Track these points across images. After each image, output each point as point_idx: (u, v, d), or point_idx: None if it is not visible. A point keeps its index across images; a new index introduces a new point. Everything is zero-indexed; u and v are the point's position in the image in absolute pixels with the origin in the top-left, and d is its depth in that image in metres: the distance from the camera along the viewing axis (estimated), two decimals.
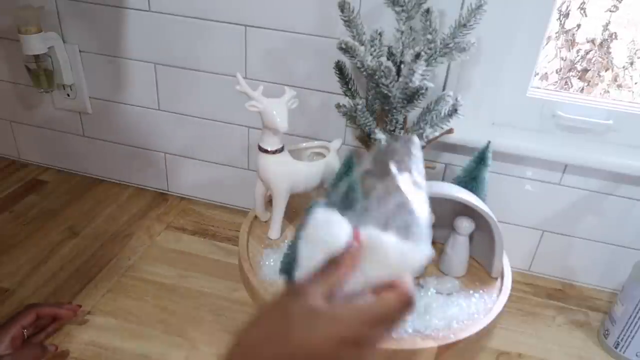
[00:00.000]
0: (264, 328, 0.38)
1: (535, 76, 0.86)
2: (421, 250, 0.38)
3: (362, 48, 0.71)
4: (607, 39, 1.16)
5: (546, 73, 1.20)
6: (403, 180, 0.42)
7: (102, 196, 1.09)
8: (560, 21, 1.15)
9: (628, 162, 0.79)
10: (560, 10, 1.12)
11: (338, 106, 0.76)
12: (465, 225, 0.76)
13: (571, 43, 1.18)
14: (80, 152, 1.13)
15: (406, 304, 0.37)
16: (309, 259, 0.39)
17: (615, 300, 0.78)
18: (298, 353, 0.35)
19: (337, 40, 0.70)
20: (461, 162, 0.85)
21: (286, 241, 0.79)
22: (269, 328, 0.37)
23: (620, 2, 1.07)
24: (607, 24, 1.13)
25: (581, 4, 1.11)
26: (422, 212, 0.41)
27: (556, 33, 1.15)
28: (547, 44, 1.13)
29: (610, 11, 1.10)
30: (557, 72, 1.22)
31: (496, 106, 0.85)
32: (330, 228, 0.39)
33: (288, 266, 0.70)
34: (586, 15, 1.12)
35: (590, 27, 1.15)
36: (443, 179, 0.91)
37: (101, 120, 1.07)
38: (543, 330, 0.83)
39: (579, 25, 1.15)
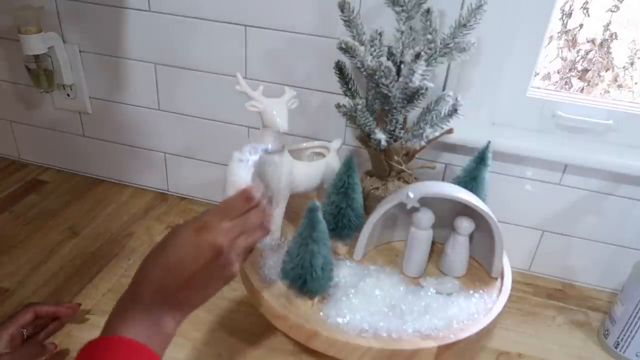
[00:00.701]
0: (146, 257, 0.51)
1: (536, 76, 0.86)
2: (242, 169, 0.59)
3: (362, 48, 0.71)
4: (607, 39, 1.16)
5: (549, 73, 1.20)
6: None
7: (102, 196, 1.09)
8: (563, 21, 1.15)
9: (628, 162, 0.79)
10: (563, 10, 1.12)
11: (338, 106, 0.76)
12: (465, 225, 0.76)
13: (572, 43, 1.18)
14: (80, 152, 1.13)
15: (244, 195, 0.51)
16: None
17: (615, 300, 0.78)
18: (171, 253, 0.49)
19: (337, 40, 0.71)
20: (461, 162, 0.85)
21: (286, 241, 0.79)
22: (150, 254, 0.51)
23: (621, 2, 1.07)
24: (608, 24, 1.13)
25: (584, 3, 1.11)
26: None
27: (558, 33, 1.15)
28: (549, 43, 1.13)
29: (612, 11, 1.10)
30: (557, 72, 1.22)
31: (496, 106, 0.85)
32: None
33: (289, 268, 0.70)
34: (589, 15, 1.13)
35: (592, 27, 1.15)
36: (443, 179, 0.91)
37: (101, 120, 1.07)
38: (543, 330, 0.84)
39: (581, 25, 1.15)
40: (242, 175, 0.57)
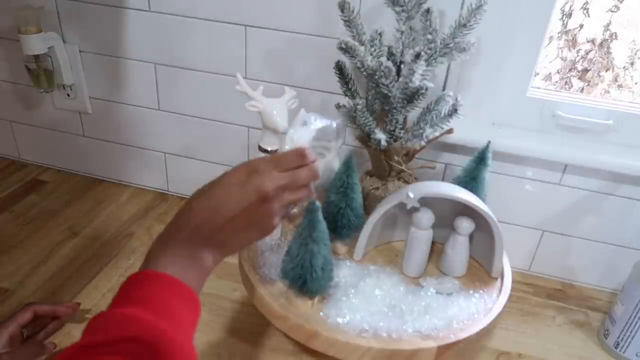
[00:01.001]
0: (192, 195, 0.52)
1: (536, 76, 0.86)
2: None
3: (362, 48, 0.71)
4: (607, 39, 1.16)
5: (550, 73, 1.20)
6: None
7: (102, 196, 1.09)
8: (563, 21, 1.15)
9: (628, 162, 0.79)
10: (563, 10, 1.12)
11: (338, 106, 0.76)
12: (465, 225, 0.76)
13: (572, 43, 1.18)
14: (80, 152, 1.13)
15: (297, 152, 0.51)
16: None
17: (615, 300, 0.78)
18: (217, 192, 0.50)
19: (337, 40, 0.71)
20: (461, 162, 0.85)
21: (287, 241, 0.79)
22: (197, 192, 0.51)
23: (621, 2, 1.07)
24: (608, 24, 1.13)
25: (584, 4, 1.11)
26: None
27: (559, 33, 1.15)
28: (549, 43, 1.13)
29: (612, 11, 1.10)
30: (557, 72, 1.22)
31: (496, 106, 0.85)
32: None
33: (289, 268, 0.70)
34: (589, 16, 1.13)
35: (592, 28, 1.15)
36: (443, 179, 0.91)
37: (101, 120, 1.07)
38: (543, 330, 0.83)
39: (581, 26, 1.15)
40: (302, 134, 0.58)
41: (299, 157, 0.51)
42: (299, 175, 0.52)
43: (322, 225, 0.64)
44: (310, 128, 0.69)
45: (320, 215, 0.63)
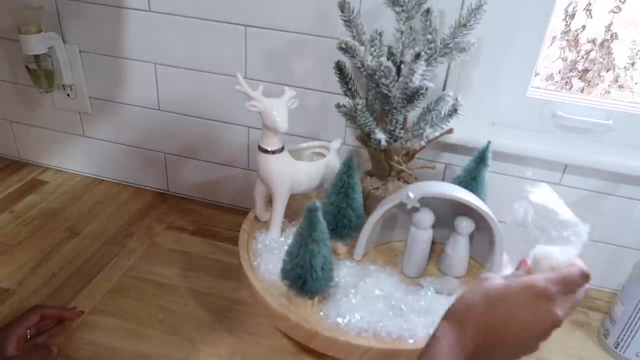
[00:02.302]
0: (472, 299, 0.49)
1: (537, 76, 0.86)
2: (571, 248, 0.52)
3: (362, 48, 0.71)
4: (607, 39, 1.16)
5: (552, 74, 1.20)
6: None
7: (102, 196, 1.09)
8: (566, 22, 1.15)
9: (628, 162, 0.79)
10: (567, 11, 1.12)
11: (338, 106, 0.76)
12: (465, 225, 0.76)
13: (574, 43, 1.18)
14: (80, 152, 1.13)
15: (582, 272, 0.49)
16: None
17: (615, 300, 0.78)
18: (502, 313, 0.46)
19: (337, 40, 0.71)
20: (461, 162, 0.85)
21: (288, 241, 0.79)
22: (474, 302, 0.48)
23: (623, 4, 1.07)
24: (609, 25, 1.13)
25: (587, 5, 1.11)
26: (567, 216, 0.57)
27: (561, 33, 1.15)
28: (552, 44, 1.13)
29: (613, 12, 1.10)
30: (558, 72, 1.22)
31: (496, 106, 0.85)
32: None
33: (289, 268, 0.69)
34: (592, 17, 1.13)
35: (593, 28, 1.15)
36: (443, 179, 0.91)
37: (101, 120, 1.07)
38: None
39: (583, 27, 1.15)
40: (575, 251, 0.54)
41: (584, 280, 0.49)
42: (579, 297, 0.49)
43: (322, 225, 0.64)
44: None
45: (320, 215, 0.63)
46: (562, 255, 0.49)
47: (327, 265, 0.67)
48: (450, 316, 0.49)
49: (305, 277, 0.67)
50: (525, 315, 0.45)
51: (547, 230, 0.54)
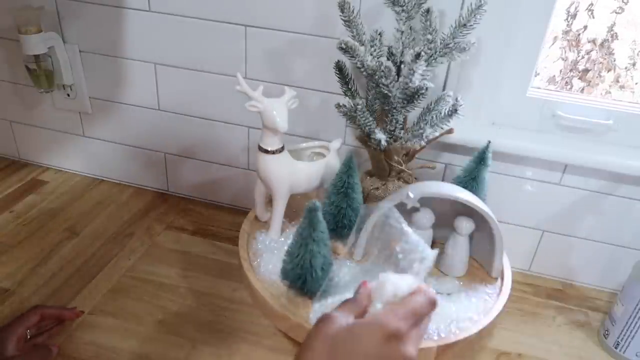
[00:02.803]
0: (312, 355, 0.42)
1: (537, 76, 0.86)
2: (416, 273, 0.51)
3: (362, 48, 0.71)
4: (607, 39, 1.16)
5: (554, 76, 1.20)
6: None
7: (102, 196, 1.09)
8: (568, 22, 1.14)
9: (628, 162, 0.79)
10: (569, 11, 1.12)
11: (338, 106, 0.76)
12: (465, 225, 0.76)
13: (574, 43, 1.18)
14: (80, 152, 1.13)
15: (430, 300, 0.45)
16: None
17: (615, 300, 0.78)
18: None
19: (337, 40, 0.71)
20: (461, 162, 0.85)
21: (288, 241, 0.79)
22: (317, 354, 0.42)
23: (626, 4, 1.07)
24: (612, 25, 1.13)
25: (589, 5, 1.11)
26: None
27: (563, 33, 1.15)
28: (553, 44, 1.13)
29: (616, 12, 1.10)
30: (559, 72, 1.22)
31: (496, 106, 0.85)
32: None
33: (289, 268, 0.70)
34: (593, 17, 1.12)
35: (595, 28, 1.15)
36: (443, 179, 0.91)
37: (101, 120, 1.07)
38: (543, 330, 0.83)
39: (585, 27, 1.15)
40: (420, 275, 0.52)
41: (432, 307, 0.45)
42: (427, 325, 0.46)
43: (322, 225, 0.64)
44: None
45: (320, 215, 0.63)
46: (406, 280, 0.46)
47: (327, 265, 0.68)
48: None
49: (305, 277, 0.67)
50: None
51: (394, 255, 0.53)
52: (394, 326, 0.41)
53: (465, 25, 0.70)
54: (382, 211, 0.73)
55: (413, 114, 0.77)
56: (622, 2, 1.07)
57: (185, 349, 0.74)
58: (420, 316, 0.44)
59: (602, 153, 0.81)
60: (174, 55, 0.95)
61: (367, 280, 0.47)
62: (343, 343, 0.41)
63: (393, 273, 0.47)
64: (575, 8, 1.11)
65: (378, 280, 0.46)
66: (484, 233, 0.76)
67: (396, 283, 0.45)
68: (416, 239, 0.56)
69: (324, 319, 0.44)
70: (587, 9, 1.11)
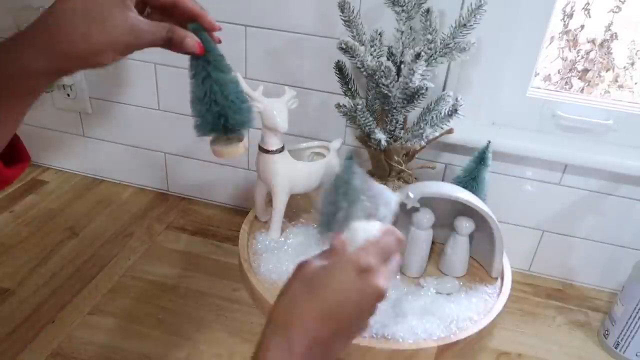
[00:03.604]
0: (292, 294, 0.44)
1: (536, 76, 0.86)
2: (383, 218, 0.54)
3: (362, 48, 0.71)
4: (607, 39, 1.16)
5: (550, 74, 1.20)
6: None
7: (102, 196, 1.09)
8: (564, 21, 1.15)
9: (628, 162, 0.79)
10: (565, 11, 1.12)
11: (338, 106, 0.76)
12: (465, 225, 0.76)
13: (573, 43, 1.18)
14: (80, 152, 1.13)
15: (398, 238, 0.48)
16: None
17: (615, 300, 0.78)
18: (330, 298, 0.43)
19: (337, 40, 0.71)
20: (461, 162, 0.85)
21: (288, 241, 0.79)
22: (296, 292, 0.44)
23: (623, 3, 1.07)
24: (609, 25, 1.13)
25: (585, 4, 1.11)
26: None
27: (560, 33, 1.15)
28: (550, 43, 1.13)
29: (613, 12, 1.10)
30: (558, 72, 1.22)
31: (496, 106, 0.85)
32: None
33: (203, 113, 0.56)
34: (590, 16, 1.12)
35: (593, 28, 1.15)
36: (443, 179, 0.91)
37: (101, 120, 1.07)
38: (543, 330, 0.84)
39: (582, 26, 1.15)
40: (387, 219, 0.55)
41: (399, 245, 0.48)
42: (396, 263, 0.48)
43: (215, 46, 0.55)
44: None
45: (206, 35, 0.53)
46: (375, 225, 0.48)
47: (240, 94, 0.57)
48: (272, 325, 0.43)
49: (226, 113, 0.56)
50: (353, 295, 0.43)
51: (360, 203, 0.54)
52: (365, 261, 0.44)
53: (465, 25, 0.70)
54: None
55: (413, 114, 0.77)
56: (620, 1, 1.07)
57: (185, 349, 0.74)
58: (390, 253, 0.46)
59: (602, 153, 0.81)
60: (174, 55, 0.94)
61: (339, 232, 0.49)
62: (318, 279, 0.44)
63: (362, 221, 0.49)
64: (572, 8, 1.11)
65: (349, 230, 0.48)
66: (484, 233, 0.76)
67: (366, 229, 0.47)
68: (379, 186, 0.58)
69: (301, 264, 0.46)
70: (583, 8, 1.11)
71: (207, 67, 0.54)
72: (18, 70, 0.41)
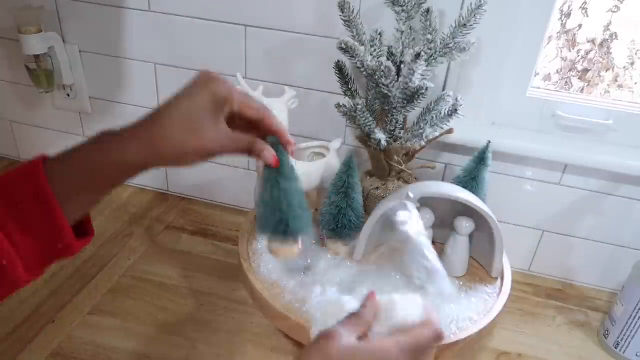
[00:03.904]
0: None
1: (536, 76, 0.86)
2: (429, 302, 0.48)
3: (362, 48, 0.71)
4: (607, 39, 1.16)
5: (549, 74, 1.20)
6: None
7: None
8: (562, 21, 1.15)
9: (628, 162, 0.79)
10: (562, 10, 1.12)
11: (338, 106, 0.76)
12: (465, 225, 0.76)
13: (572, 43, 1.18)
14: None
15: (437, 335, 0.44)
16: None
17: (615, 300, 0.78)
18: None
19: (337, 40, 0.71)
20: (461, 162, 0.85)
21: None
22: None
23: (622, 3, 1.07)
24: (608, 24, 1.13)
25: (583, 4, 1.11)
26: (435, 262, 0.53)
27: (558, 33, 1.15)
28: (548, 43, 1.13)
29: (612, 11, 1.10)
30: (557, 72, 1.22)
31: (496, 106, 0.85)
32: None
33: (267, 216, 0.60)
34: (588, 16, 1.12)
35: (592, 28, 1.15)
36: (443, 179, 0.91)
37: (101, 120, 1.07)
38: (543, 330, 0.84)
39: (580, 26, 1.15)
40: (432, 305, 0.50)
41: (437, 340, 0.45)
42: (432, 354, 0.48)
43: (288, 159, 0.58)
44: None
45: (282, 148, 0.57)
46: (417, 306, 0.45)
47: (303, 203, 0.60)
48: None
49: (287, 219, 0.59)
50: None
51: (410, 276, 0.52)
52: (396, 357, 0.41)
53: (465, 25, 0.70)
54: (383, 211, 0.73)
55: (413, 114, 0.77)
56: (619, 0, 1.07)
57: (185, 349, 0.74)
58: (425, 349, 0.44)
59: (602, 153, 0.81)
60: (174, 55, 0.94)
61: (375, 292, 0.46)
62: None
63: (404, 294, 0.46)
64: (569, 7, 1.11)
65: (388, 299, 0.45)
66: (484, 233, 0.76)
67: (407, 308, 0.45)
68: (437, 267, 0.54)
69: (326, 336, 0.42)
70: (580, 7, 1.11)
71: (278, 177, 0.58)
72: (120, 160, 0.47)
